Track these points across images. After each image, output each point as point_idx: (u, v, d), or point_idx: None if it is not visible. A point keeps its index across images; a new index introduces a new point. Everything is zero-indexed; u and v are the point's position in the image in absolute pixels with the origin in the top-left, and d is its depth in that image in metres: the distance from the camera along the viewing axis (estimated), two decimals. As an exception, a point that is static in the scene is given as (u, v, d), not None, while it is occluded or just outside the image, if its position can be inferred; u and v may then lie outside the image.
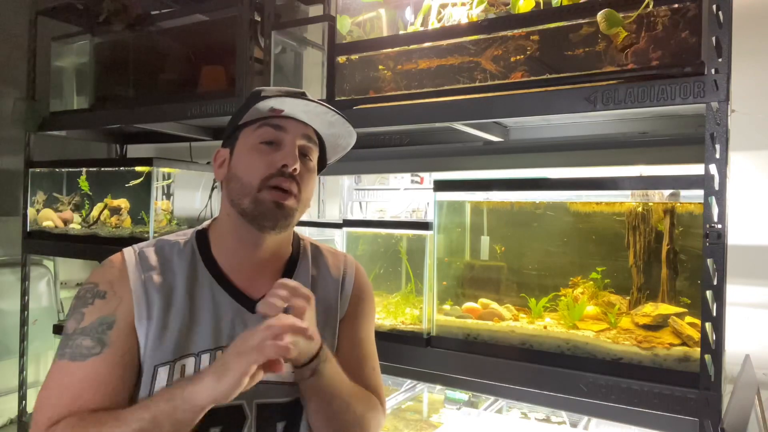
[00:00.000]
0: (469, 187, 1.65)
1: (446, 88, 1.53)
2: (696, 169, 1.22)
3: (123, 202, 2.49)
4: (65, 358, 0.94)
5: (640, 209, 1.42)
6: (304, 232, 2.04)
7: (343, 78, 1.73)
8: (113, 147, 3.15)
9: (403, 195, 2.47)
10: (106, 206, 2.50)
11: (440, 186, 1.61)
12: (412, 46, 1.60)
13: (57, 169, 2.70)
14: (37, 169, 2.65)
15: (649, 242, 1.41)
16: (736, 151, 1.26)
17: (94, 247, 2.33)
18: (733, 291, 1.24)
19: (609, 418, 1.32)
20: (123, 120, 2.30)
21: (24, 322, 2.68)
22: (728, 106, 1.17)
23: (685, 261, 1.36)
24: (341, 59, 1.73)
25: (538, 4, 1.43)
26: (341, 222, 1.85)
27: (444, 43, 1.55)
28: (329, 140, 1.12)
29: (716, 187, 1.17)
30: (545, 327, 1.43)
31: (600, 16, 1.27)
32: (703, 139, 1.19)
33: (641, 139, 1.61)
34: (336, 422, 1.00)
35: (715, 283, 1.17)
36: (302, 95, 1.06)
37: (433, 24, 1.61)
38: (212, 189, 2.50)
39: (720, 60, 1.17)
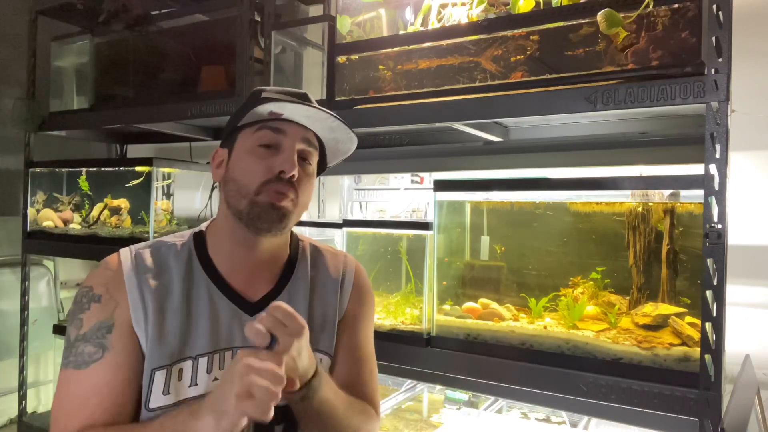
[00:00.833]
0: (469, 187, 1.65)
1: (446, 88, 1.53)
2: (696, 169, 1.22)
3: (123, 202, 2.49)
4: (70, 367, 0.94)
5: (640, 209, 1.42)
6: (304, 232, 2.04)
7: (343, 78, 1.73)
8: (113, 147, 3.15)
9: (403, 195, 2.47)
10: (106, 206, 2.50)
11: (440, 186, 1.61)
12: (412, 46, 1.60)
13: (57, 169, 2.70)
14: (37, 169, 2.65)
15: (649, 242, 1.41)
16: (736, 151, 1.26)
17: (94, 247, 2.33)
18: (733, 291, 1.24)
19: (609, 418, 1.32)
20: (123, 120, 2.30)
21: (24, 322, 2.68)
22: (728, 106, 1.17)
23: (685, 261, 1.36)
24: (341, 59, 1.73)
25: (538, 4, 1.43)
26: (341, 222, 1.85)
27: (444, 43, 1.55)
28: (330, 144, 1.11)
29: (716, 187, 1.18)
30: (545, 327, 1.43)
31: (600, 16, 1.27)
32: (703, 139, 1.19)
33: (641, 139, 1.61)
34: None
35: (715, 283, 1.17)
36: (303, 96, 1.05)
37: (433, 24, 1.61)
38: (212, 189, 2.50)
39: (720, 60, 1.17)
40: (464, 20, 1.53)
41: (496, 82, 1.47)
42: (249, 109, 1.00)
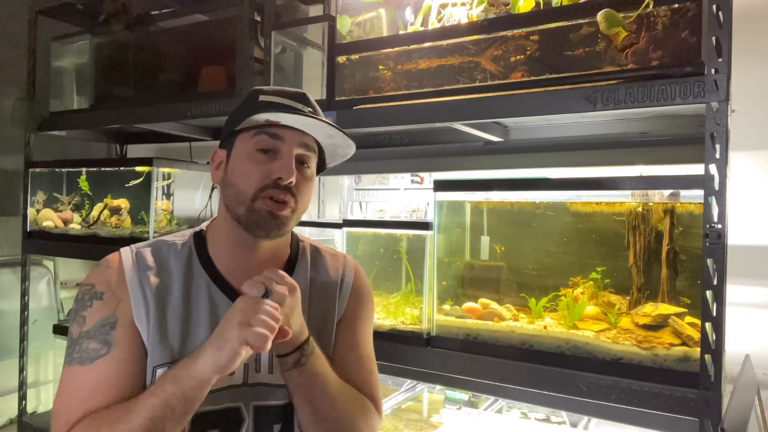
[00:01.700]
0: (469, 187, 1.65)
1: (446, 88, 1.53)
2: (696, 169, 1.22)
3: (123, 202, 2.49)
4: (74, 363, 0.94)
5: (640, 209, 1.42)
6: (304, 232, 2.04)
7: (343, 78, 1.73)
8: (113, 147, 3.15)
9: (403, 195, 2.47)
10: (106, 206, 2.50)
11: (440, 186, 1.61)
12: (412, 46, 1.60)
13: (57, 169, 2.70)
14: (37, 169, 2.65)
15: (649, 242, 1.41)
16: (736, 151, 1.26)
17: (94, 247, 2.33)
18: (733, 291, 1.24)
19: (609, 418, 1.32)
20: (123, 120, 2.30)
21: (24, 322, 2.68)
22: (728, 106, 1.17)
23: (685, 261, 1.36)
24: (341, 59, 1.73)
25: (538, 4, 1.43)
26: (341, 222, 1.85)
27: (444, 43, 1.55)
28: (328, 148, 1.11)
29: (716, 187, 1.17)
30: (545, 327, 1.43)
31: (600, 16, 1.27)
32: (703, 139, 1.19)
33: (641, 139, 1.61)
34: (323, 422, 0.99)
35: (715, 283, 1.17)
36: (302, 96, 1.05)
37: (433, 24, 1.61)
38: (212, 189, 2.50)
39: (720, 60, 1.17)
40: (464, 20, 1.53)
41: (496, 82, 1.47)
42: (246, 114, 0.99)
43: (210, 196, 2.51)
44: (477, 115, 1.50)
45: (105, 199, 2.52)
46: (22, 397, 2.70)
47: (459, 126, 1.62)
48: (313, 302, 1.09)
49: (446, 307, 1.63)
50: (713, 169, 1.18)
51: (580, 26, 1.35)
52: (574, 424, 1.85)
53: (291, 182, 0.98)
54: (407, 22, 1.67)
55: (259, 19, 2.00)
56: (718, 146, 1.18)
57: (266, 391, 1.00)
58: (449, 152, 1.91)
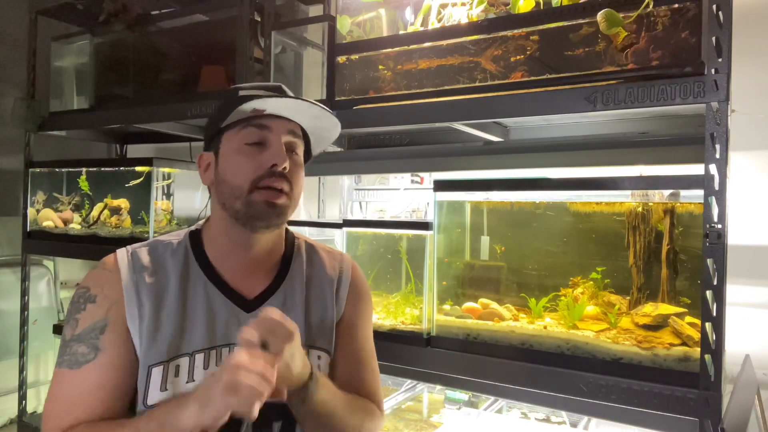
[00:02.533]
0: (469, 187, 1.65)
1: (446, 88, 1.53)
2: (696, 169, 1.22)
3: (123, 202, 2.49)
4: (64, 366, 0.95)
5: (640, 209, 1.42)
6: (304, 232, 2.04)
7: (343, 78, 1.73)
8: (113, 147, 3.15)
9: (403, 195, 2.47)
10: (106, 206, 2.50)
11: (440, 186, 1.61)
12: (412, 46, 1.60)
13: (57, 169, 2.70)
14: (37, 169, 2.65)
15: (649, 242, 1.41)
16: (736, 151, 1.26)
17: (94, 247, 2.33)
18: (733, 291, 1.24)
19: (609, 418, 1.32)
20: (123, 120, 2.30)
21: (24, 322, 2.68)
22: (728, 106, 1.17)
23: (685, 261, 1.36)
24: (341, 59, 1.73)
25: (538, 4, 1.43)
26: (341, 222, 1.85)
27: (444, 43, 1.55)
28: (315, 132, 1.11)
29: (716, 187, 1.17)
30: (545, 327, 1.43)
31: (600, 16, 1.27)
32: (703, 139, 1.19)
33: (641, 139, 1.61)
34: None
35: (715, 283, 1.17)
36: (278, 89, 1.05)
37: (433, 24, 1.61)
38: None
39: (720, 60, 1.17)
40: (464, 20, 1.53)
41: (496, 82, 1.47)
42: (230, 109, 1.00)
43: (210, 196, 2.50)
44: (477, 115, 1.50)
45: (105, 199, 2.52)
46: (22, 397, 2.70)
47: (459, 126, 1.62)
48: (310, 299, 1.09)
49: (446, 307, 1.62)
50: (713, 169, 1.18)
51: (580, 26, 1.35)
52: (574, 424, 1.85)
53: (285, 168, 0.99)
54: (407, 22, 1.67)
55: (259, 19, 2.00)
56: (718, 146, 1.18)
57: None
58: (449, 152, 1.91)
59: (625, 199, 1.43)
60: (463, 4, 1.55)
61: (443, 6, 1.60)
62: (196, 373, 0.97)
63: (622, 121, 1.62)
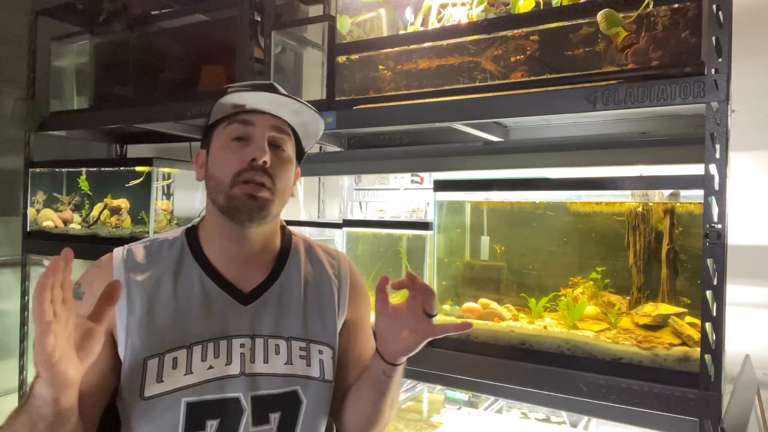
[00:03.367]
0: (469, 187, 1.65)
1: (446, 88, 1.53)
2: (696, 169, 1.22)
3: (123, 202, 2.49)
4: None
5: (640, 209, 1.42)
6: (304, 232, 2.04)
7: (343, 78, 1.73)
8: (113, 147, 3.15)
9: (403, 195, 2.47)
10: (106, 206, 2.50)
11: (440, 186, 1.61)
12: (412, 46, 1.60)
13: (57, 169, 2.69)
14: (37, 169, 2.65)
15: (649, 242, 1.41)
16: (736, 151, 1.26)
17: (94, 247, 2.32)
18: (733, 291, 1.24)
19: (609, 418, 1.32)
20: (123, 120, 2.30)
21: (24, 322, 2.67)
22: (728, 106, 1.17)
23: (685, 261, 1.36)
24: (341, 59, 1.73)
25: (538, 4, 1.42)
26: (341, 222, 1.85)
27: (444, 43, 1.55)
28: (300, 128, 1.12)
29: (716, 187, 1.17)
30: (545, 327, 1.43)
31: (600, 16, 1.27)
32: (703, 139, 1.19)
33: (641, 139, 1.61)
34: (370, 418, 1.07)
35: (715, 283, 1.17)
36: (269, 87, 1.06)
37: (433, 24, 1.61)
38: (212, 189, 2.49)
39: (720, 60, 1.17)
40: (464, 20, 1.53)
41: (496, 82, 1.47)
42: (216, 105, 1.04)
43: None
44: (477, 115, 1.50)
45: (105, 199, 2.52)
46: (22, 397, 2.69)
47: (459, 126, 1.62)
48: (309, 293, 1.10)
49: (446, 307, 1.62)
50: (713, 169, 1.18)
51: (580, 26, 1.35)
52: (574, 424, 1.85)
53: (265, 161, 1.00)
54: (407, 22, 1.67)
55: (259, 19, 2.00)
56: (718, 146, 1.17)
57: (263, 380, 1.01)
58: (449, 152, 1.91)
59: (625, 199, 1.43)
60: (463, 4, 1.55)
61: (443, 6, 1.60)
62: (194, 365, 0.98)
63: (622, 121, 1.62)
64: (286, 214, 1.16)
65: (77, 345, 0.79)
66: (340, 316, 1.13)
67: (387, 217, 2.48)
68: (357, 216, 2.56)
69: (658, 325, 1.33)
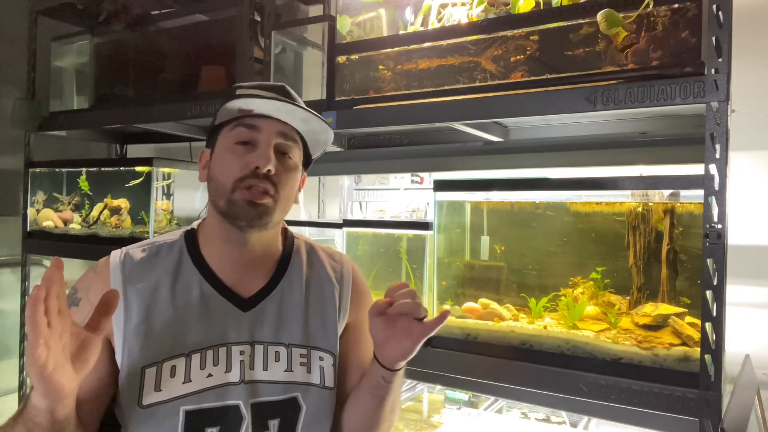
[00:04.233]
0: (469, 187, 1.65)
1: (446, 88, 1.53)
2: (696, 169, 1.22)
3: (123, 202, 2.49)
4: None
5: (640, 209, 1.42)
6: (304, 232, 2.04)
7: (343, 78, 1.73)
8: (113, 147, 3.15)
9: (403, 195, 2.47)
10: (106, 206, 2.50)
11: (440, 186, 1.61)
12: (412, 46, 1.60)
13: (57, 169, 2.69)
14: (37, 169, 2.65)
15: (649, 242, 1.41)
16: (736, 151, 1.26)
17: (94, 247, 2.33)
18: (733, 291, 1.24)
19: (609, 418, 1.32)
20: (123, 120, 2.30)
21: (24, 322, 2.67)
22: (728, 106, 1.17)
23: (685, 261, 1.36)
24: (341, 59, 1.73)
25: (538, 4, 1.42)
26: (341, 222, 1.85)
27: (444, 43, 1.55)
28: (308, 136, 1.10)
29: (716, 187, 1.17)
30: (545, 327, 1.43)
31: (600, 16, 1.27)
32: (703, 139, 1.19)
33: (641, 139, 1.61)
34: (370, 425, 1.06)
35: (715, 283, 1.17)
36: (280, 89, 1.05)
37: (433, 24, 1.61)
38: (212, 189, 2.49)
39: (720, 60, 1.17)
40: (464, 20, 1.53)
41: (496, 82, 1.47)
42: (222, 107, 1.01)
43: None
44: (477, 115, 1.50)
45: (105, 199, 2.52)
46: (22, 397, 2.69)
47: (459, 126, 1.62)
48: (310, 299, 1.09)
49: (446, 307, 1.62)
50: (713, 169, 1.18)
51: (580, 26, 1.35)
52: (574, 424, 1.85)
53: (269, 170, 0.98)
54: (407, 22, 1.67)
55: (259, 19, 2.00)
56: (718, 146, 1.17)
57: (262, 387, 1.00)
58: (449, 152, 1.91)
59: (625, 199, 1.43)
60: (463, 4, 1.55)
61: (443, 6, 1.60)
62: (193, 374, 0.96)
63: (622, 121, 1.62)
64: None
65: (73, 355, 0.78)
66: (341, 320, 1.11)
67: (387, 217, 2.48)
68: (357, 216, 2.57)
69: (658, 325, 1.33)
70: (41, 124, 2.56)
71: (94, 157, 3.15)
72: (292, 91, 1.07)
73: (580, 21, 1.34)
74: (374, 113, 1.65)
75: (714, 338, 1.17)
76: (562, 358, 1.37)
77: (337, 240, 2.03)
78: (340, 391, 1.09)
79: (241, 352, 1.00)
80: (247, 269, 1.05)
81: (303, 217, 2.49)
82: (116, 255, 1.04)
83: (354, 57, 1.71)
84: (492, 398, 1.94)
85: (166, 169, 2.40)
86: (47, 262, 2.96)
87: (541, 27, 1.41)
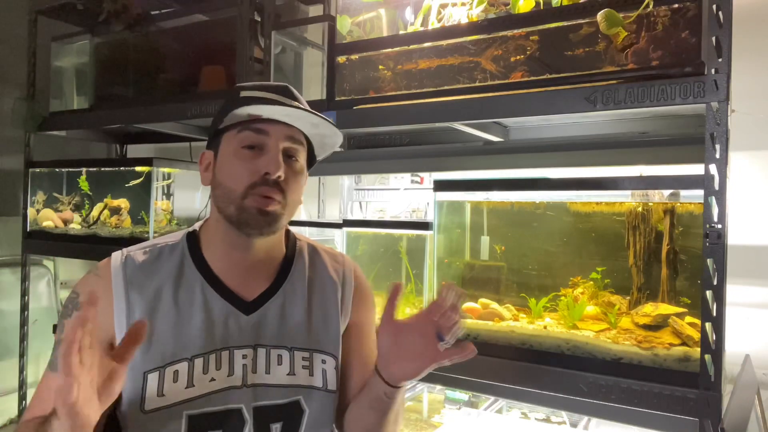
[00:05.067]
0: (469, 187, 1.65)
1: (446, 88, 1.53)
2: (696, 169, 1.22)
3: (123, 202, 2.49)
4: (49, 368, 0.97)
5: (640, 209, 1.42)
6: (304, 232, 2.04)
7: (343, 78, 1.73)
8: (113, 147, 3.15)
9: (403, 195, 2.47)
10: (106, 206, 2.50)
11: (440, 186, 1.61)
12: (412, 46, 1.60)
13: (57, 169, 2.70)
14: (37, 169, 2.65)
15: (649, 242, 1.41)
16: (736, 151, 1.26)
17: (94, 247, 2.33)
18: (733, 291, 1.24)
19: (609, 418, 1.32)
20: (123, 120, 2.30)
21: (24, 322, 2.67)
22: (728, 106, 1.17)
23: (685, 261, 1.36)
24: (341, 59, 1.73)
25: (538, 4, 1.42)
26: (341, 222, 1.85)
27: (444, 43, 1.55)
28: (315, 139, 1.09)
29: (716, 187, 1.17)
30: (545, 327, 1.43)
31: (600, 16, 1.27)
32: (703, 139, 1.19)
33: (641, 139, 1.61)
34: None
35: (715, 283, 1.17)
36: (284, 89, 1.03)
37: (433, 24, 1.61)
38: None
39: (720, 60, 1.17)
40: (464, 20, 1.53)
41: (496, 82, 1.47)
42: (228, 110, 0.99)
43: (210, 196, 2.50)
44: (477, 115, 1.50)
45: (105, 199, 2.52)
46: (22, 397, 2.69)
47: (459, 126, 1.62)
48: (313, 301, 1.08)
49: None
50: (713, 169, 1.18)
51: (580, 26, 1.35)
52: (574, 424, 1.85)
53: (279, 176, 0.97)
54: (407, 22, 1.67)
55: (259, 19, 2.00)
56: (718, 146, 1.17)
57: (265, 391, 0.99)
58: (449, 152, 1.91)
59: (625, 199, 1.43)
60: (463, 4, 1.55)
61: (443, 6, 1.60)
62: (196, 378, 0.96)
63: (622, 121, 1.62)
64: (286, 214, 1.15)
65: (99, 388, 0.77)
66: (343, 320, 1.11)
67: (387, 217, 2.48)
68: (357, 216, 2.56)
69: (658, 325, 1.33)
70: (41, 124, 2.56)
71: (94, 157, 3.16)
72: (295, 91, 1.06)
73: (580, 21, 1.34)
74: (374, 113, 1.65)
75: (714, 338, 1.17)
76: (562, 358, 1.37)
77: (337, 240, 2.03)
78: (342, 392, 1.09)
79: (244, 356, 0.99)
80: (250, 272, 1.04)
81: (303, 217, 2.48)
82: (117, 257, 1.02)
83: (354, 57, 1.71)
84: (492, 398, 1.94)
85: (166, 169, 2.40)
86: (47, 262, 2.97)
87: (541, 27, 1.40)
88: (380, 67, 1.67)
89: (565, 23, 1.37)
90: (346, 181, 2.59)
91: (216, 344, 0.98)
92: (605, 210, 1.47)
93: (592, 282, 1.46)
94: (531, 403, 1.76)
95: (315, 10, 2.31)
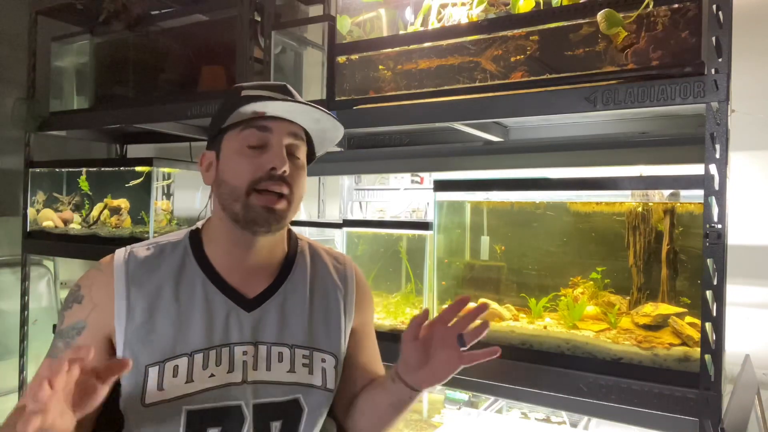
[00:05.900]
0: (469, 187, 1.65)
1: (446, 88, 1.53)
2: (696, 169, 1.22)
3: (123, 202, 2.49)
4: (48, 357, 0.98)
5: (640, 209, 1.42)
6: (304, 232, 2.04)
7: (343, 78, 1.73)
8: (113, 147, 3.15)
9: (403, 195, 2.47)
10: (106, 206, 2.50)
11: (440, 186, 1.61)
12: (412, 46, 1.60)
13: (57, 169, 2.70)
14: (37, 169, 2.65)
15: (649, 242, 1.41)
16: (736, 151, 1.26)
17: (94, 247, 2.33)
18: (733, 291, 1.24)
19: (609, 418, 1.32)
20: (123, 120, 2.30)
21: (24, 322, 2.67)
22: (728, 106, 1.17)
23: (685, 261, 1.36)
24: (341, 59, 1.73)
25: (538, 4, 1.42)
26: (341, 222, 1.85)
27: (444, 43, 1.55)
28: (316, 134, 1.10)
29: (716, 187, 1.17)
30: (545, 327, 1.43)
31: (600, 16, 1.27)
32: (703, 139, 1.19)
33: (641, 139, 1.61)
34: (383, 428, 1.09)
35: (715, 283, 1.17)
36: (283, 88, 1.04)
37: (433, 24, 1.61)
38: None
39: (720, 60, 1.17)
40: (464, 20, 1.53)
41: (496, 82, 1.47)
42: (231, 109, 0.99)
43: (210, 196, 2.50)
44: (477, 115, 1.50)
45: (105, 199, 2.52)
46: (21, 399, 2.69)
47: (459, 126, 1.62)
48: (314, 300, 1.09)
49: (446, 306, 1.62)
50: (713, 169, 1.18)
51: (580, 26, 1.35)
52: (574, 424, 1.85)
53: (285, 171, 0.97)
54: (407, 22, 1.67)
55: (259, 19, 2.00)
56: (718, 146, 1.17)
57: (265, 388, 1.00)
58: (449, 152, 1.91)
59: (625, 199, 1.43)
60: (463, 4, 1.55)
61: (443, 6, 1.60)
62: (195, 374, 0.96)
63: (622, 121, 1.62)
64: (286, 214, 1.15)
65: (74, 402, 0.76)
66: (347, 323, 1.11)
67: (387, 217, 2.48)
68: (357, 216, 2.56)
69: (658, 325, 1.33)
70: (41, 124, 2.56)
71: (94, 157, 3.15)
72: (293, 90, 1.07)
73: (580, 21, 1.34)
74: (374, 113, 1.65)
75: (714, 338, 1.17)
76: (562, 358, 1.37)
77: (337, 240, 2.03)
78: (345, 393, 1.10)
79: (244, 353, 1.00)
80: (251, 270, 1.05)
81: (303, 217, 2.48)
82: (120, 254, 1.03)
83: (354, 57, 1.71)
84: (492, 398, 1.94)
85: (166, 169, 2.40)
86: (47, 262, 2.97)
87: (541, 27, 1.40)
88: (380, 67, 1.67)
89: (565, 23, 1.37)
90: (346, 181, 2.59)
91: (216, 340, 0.99)
92: (605, 210, 1.47)
93: (592, 282, 1.46)
94: (531, 403, 1.76)
95: (315, 10, 2.31)
